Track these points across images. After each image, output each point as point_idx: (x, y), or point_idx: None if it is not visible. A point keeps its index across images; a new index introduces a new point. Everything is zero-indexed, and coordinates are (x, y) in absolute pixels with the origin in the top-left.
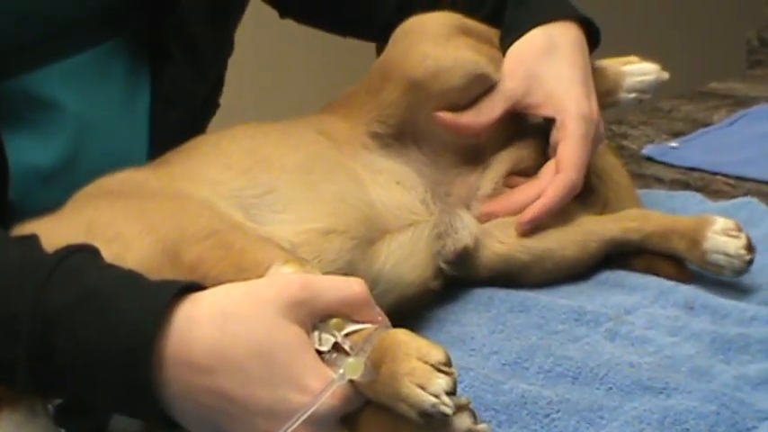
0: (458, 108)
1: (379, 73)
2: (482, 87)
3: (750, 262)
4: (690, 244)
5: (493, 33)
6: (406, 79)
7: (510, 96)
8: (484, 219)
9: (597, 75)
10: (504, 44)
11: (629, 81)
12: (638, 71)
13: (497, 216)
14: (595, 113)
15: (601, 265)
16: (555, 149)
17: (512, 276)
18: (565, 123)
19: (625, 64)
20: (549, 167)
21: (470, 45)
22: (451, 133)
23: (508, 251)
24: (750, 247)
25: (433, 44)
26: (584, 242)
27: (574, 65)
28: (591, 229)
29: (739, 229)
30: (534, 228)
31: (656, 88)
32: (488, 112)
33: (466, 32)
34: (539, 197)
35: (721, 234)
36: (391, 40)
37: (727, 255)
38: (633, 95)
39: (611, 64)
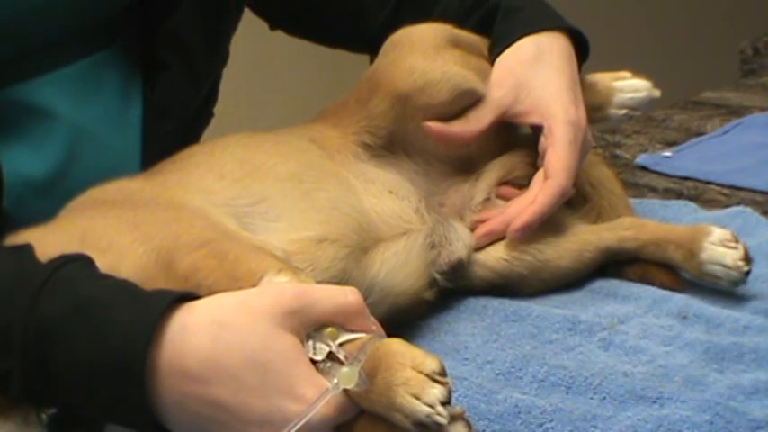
0: (446, 120)
1: (368, 84)
2: (469, 101)
3: (747, 273)
4: (686, 254)
5: (482, 43)
6: (394, 92)
7: (498, 106)
8: (474, 227)
9: (588, 89)
10: (493, 54)
11: (620, 97)
12: (629, 87)
13: (495, 233)
14: (583, 120)
15: (594, 274)
16: (543, 157)
17: (508, 287)
18: (552, 130)
19: (617, 79)
20: (539, 176)
21: (458, 58)
22: (440, 143)
23: (506, 265)
24: (747, 258)
25: (422, 57)
26: (579, 251)
27: (561, 72)
28: (586, 239)
29: (736, 240)
30: (526, 235)
31: (647, 105)
32: (477, 121)
33: (455, 44)
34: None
35: (718, 245)
36: (381, 51)
37: (724, 266)
38: (623, 112)
39: (603, 79)
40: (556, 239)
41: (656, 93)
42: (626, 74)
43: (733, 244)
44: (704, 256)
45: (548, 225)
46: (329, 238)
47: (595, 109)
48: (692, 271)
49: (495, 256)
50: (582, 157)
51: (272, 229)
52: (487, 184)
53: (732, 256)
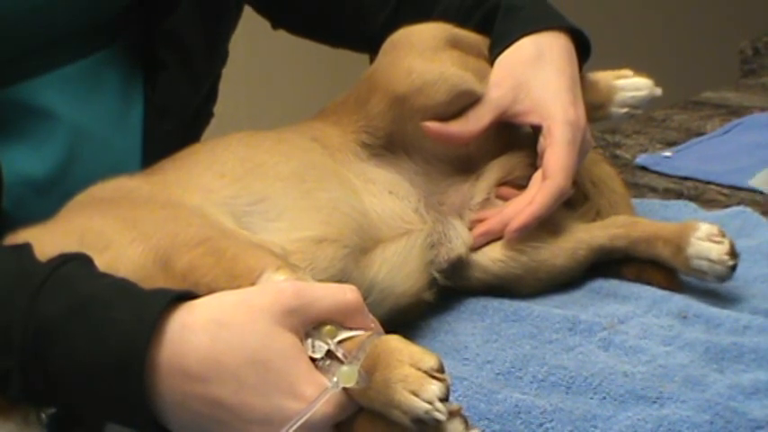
0: (445, 120)
1: (367, 84)
2: (467, 102)
3: (733, 267)
4: (674, 250)
5: (482, 43)
6: (392, 93)
7: (497, 105)
8: (472, 226)
9: (589, 87)
10: (494, 53)
11: (621, 96)
12: (630, 86)
13: (492, 232)
14: (582, 120)
15: (594, 274)
16: (542, 157)
17: (505, 287)
18: (551, 130)
19: (618, 78)
20: (537, 176)
21: (456, 59)
22: (439, 143)
23: (502, 267)
24: (733, 253)
25: (420, 58)
26: (573, 250)
27: (561, 72)
28: (580, 237)
29: (722, 235)
30: (523, 235)
31: (648, 104)
32: (476, 121)
33: (454, 44)
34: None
35: (705, 240)
36: (381, 51)
37: (709, 260)
38: (624, 110)
39: (604, 77)
40: (551, 239)
41: (658, 91)
42: (627, 72)
43: (719, 239)
44: (691, 251)
45: (543, 224)
46: (329, 238)
47: (597, 107)
48: (680, 267)
49: (492, 257)
50: (581, 157)
51: (271, 229)
52: (488, 185)
53: (718, 251)
